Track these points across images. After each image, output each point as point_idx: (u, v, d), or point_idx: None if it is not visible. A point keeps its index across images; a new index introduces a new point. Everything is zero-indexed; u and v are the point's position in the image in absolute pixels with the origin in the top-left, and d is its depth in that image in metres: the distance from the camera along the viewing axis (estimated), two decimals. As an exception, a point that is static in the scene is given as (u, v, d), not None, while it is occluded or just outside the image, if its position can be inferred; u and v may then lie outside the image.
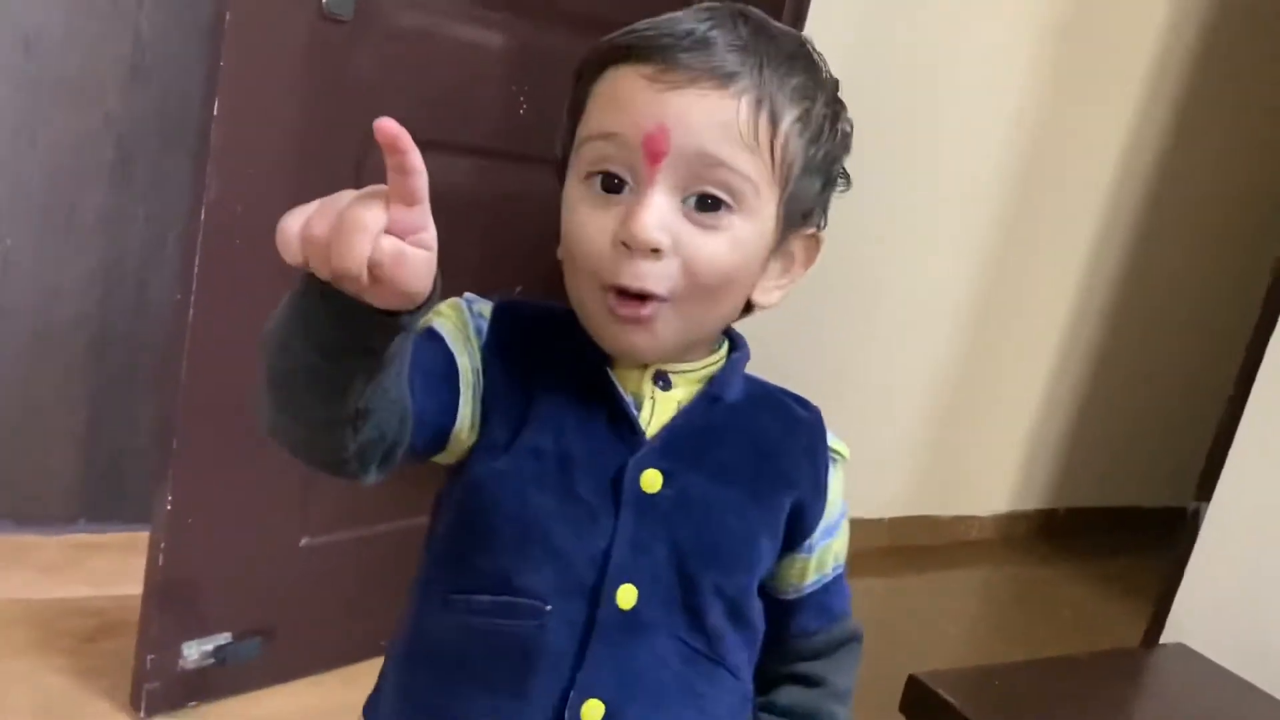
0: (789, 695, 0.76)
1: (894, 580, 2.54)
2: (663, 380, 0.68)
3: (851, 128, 0.70)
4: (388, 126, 0.47)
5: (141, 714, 1.47)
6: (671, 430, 0.67)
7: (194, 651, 1.48)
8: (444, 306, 0.68)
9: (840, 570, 0.76)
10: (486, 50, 1.53)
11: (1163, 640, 1.30)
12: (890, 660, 2.17)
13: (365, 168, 1.43)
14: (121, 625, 1.66)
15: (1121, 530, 3.05)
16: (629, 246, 0.60)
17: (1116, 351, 2.89)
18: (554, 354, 0.68)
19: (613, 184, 0.62)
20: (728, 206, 0.61)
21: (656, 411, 0.68)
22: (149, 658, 1.45)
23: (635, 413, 0.67)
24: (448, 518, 0.70)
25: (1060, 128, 2.52)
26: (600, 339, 0.65)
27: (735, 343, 0.74)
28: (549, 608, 0.65)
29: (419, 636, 0.71)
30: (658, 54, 0.59)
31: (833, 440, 0.75)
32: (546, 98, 1.61)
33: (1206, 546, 1.30)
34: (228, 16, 1.25)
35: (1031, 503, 2.94)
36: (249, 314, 1.38)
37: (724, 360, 0.71)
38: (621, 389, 0.67)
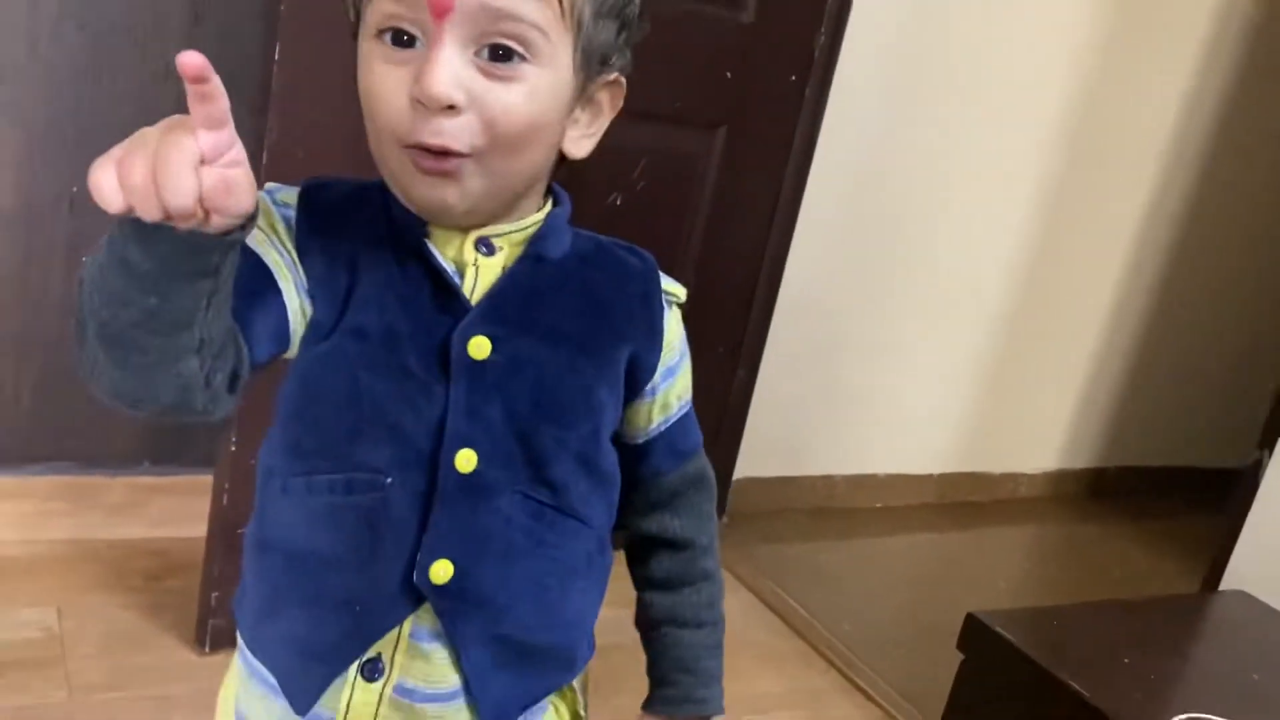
0: (661, 566, 0.78)
1: (942, 535, 2.54)
2: (484, 245, 0.67)
3: None
4: (190, 59, 0.48)
5: (206, 649, 1.51)
6: (494, 295, 0.67)
7: (257, 589, 1.51)
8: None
9: (686, 409, 0.76)
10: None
11: (1222, 588, 1.29)
12: (939, 609, 2.18)
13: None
14: (186, 565, 1.70)
15: (1173, 490, 3.02)
16: (424, 104, 0.59)
17: (1170, 310, 2.84)
18: (370, 229, 0.67)
19: (403, 40, 0.61)
20: (520, 56, 0.60)
21: (480, 277, 0.67)
22: (213, 595, 1.49)
23: (458, 281, 0.66)
24: (283, 408, 0.69)
25: (1119, 81, 2.46)
26: (410, 199, 0.64)
27: (557, 198, 0.72)
28: (389, 480, 0.65)
29: (265, 525, 0.71)
30: None
31: (667, 283, 0.74)
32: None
33: (1269, 496, 1.28)
34: (287, -39, 1.26)
35: (1081, 461, 2.91)
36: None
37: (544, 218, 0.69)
38: (441, 258, 0.66)
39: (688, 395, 0.77)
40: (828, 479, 2.47)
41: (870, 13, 2.02)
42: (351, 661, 0.68)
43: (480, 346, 0.65)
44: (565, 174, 0.71)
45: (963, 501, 2.68)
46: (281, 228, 0.65)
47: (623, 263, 0.73)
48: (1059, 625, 1.01)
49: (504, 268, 0.68)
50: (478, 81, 0.60)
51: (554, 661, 0.74)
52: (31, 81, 1.51)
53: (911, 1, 2.13)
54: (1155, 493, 3.00)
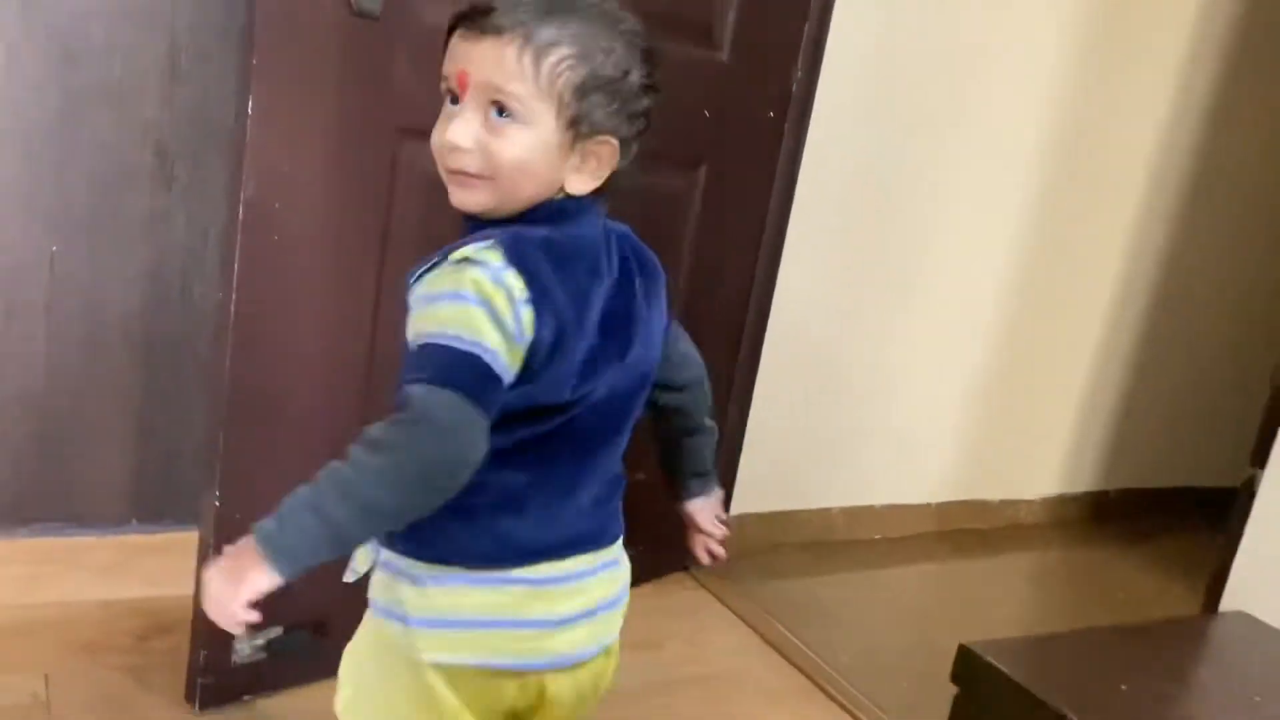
0: (674, 399, 1.10)
1: (943, 565, 2.51)
2: None
3: (639, 61, 0.91)
4: None
5: (196, 708, 1.49)
6: None
7: (246, 646, 1.49)
8: (488, 323, 0.82)
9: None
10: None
11: (1222, 609, 1.27)
12: (940, 639, 2.15)
13: (399, 163, 1.45)
14: (176, 624, 1.68)
15: (1173, 511, 2.99)
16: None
17: (1164, 331, 2.84)
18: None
19: (454, 100, 0.89)
20: (510, 116, 0.87)
21: None
22: (202, 653, 1.47)
23: None
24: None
25: (1102, 103, 2.48)
26: (453, 202, 0.91)
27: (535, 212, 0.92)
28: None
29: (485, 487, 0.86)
30: (465, 20, 0.88)
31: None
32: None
33: (1264, 514, 1.27)
34: (258, 16, 1.27)
35: (1081, 485, 2.89)
36: (290, 309, 1.41)
37: None
38: None
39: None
40: (825, 512, 2.45)
41: (847, 44, 2.04)
42: None
43: None
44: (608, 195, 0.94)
45: (963, 529, 2.65)
46: (522, 315, 0.84)
47: None
48: (1054, 654, 0.99)
49: None
50: (482, 133, 0.88)
51: None
52: (12, 139, 1.52)
53: (888, 30, 2.15)
54: (1157, 514, 2.97)
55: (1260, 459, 1.26)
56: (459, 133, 0.87)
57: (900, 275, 2.36)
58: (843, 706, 1.80)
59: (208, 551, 1.43)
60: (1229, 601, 1.26)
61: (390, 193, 1.45)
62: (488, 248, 0.84)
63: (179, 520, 1.76)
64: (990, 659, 0.94)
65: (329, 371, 1.47)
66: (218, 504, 1.42)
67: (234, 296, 1.34)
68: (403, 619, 0.93)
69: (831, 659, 1.92)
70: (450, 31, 0.90)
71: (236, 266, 1.33)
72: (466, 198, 0.90)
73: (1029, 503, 2.80)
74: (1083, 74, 2.43)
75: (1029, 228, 2.50)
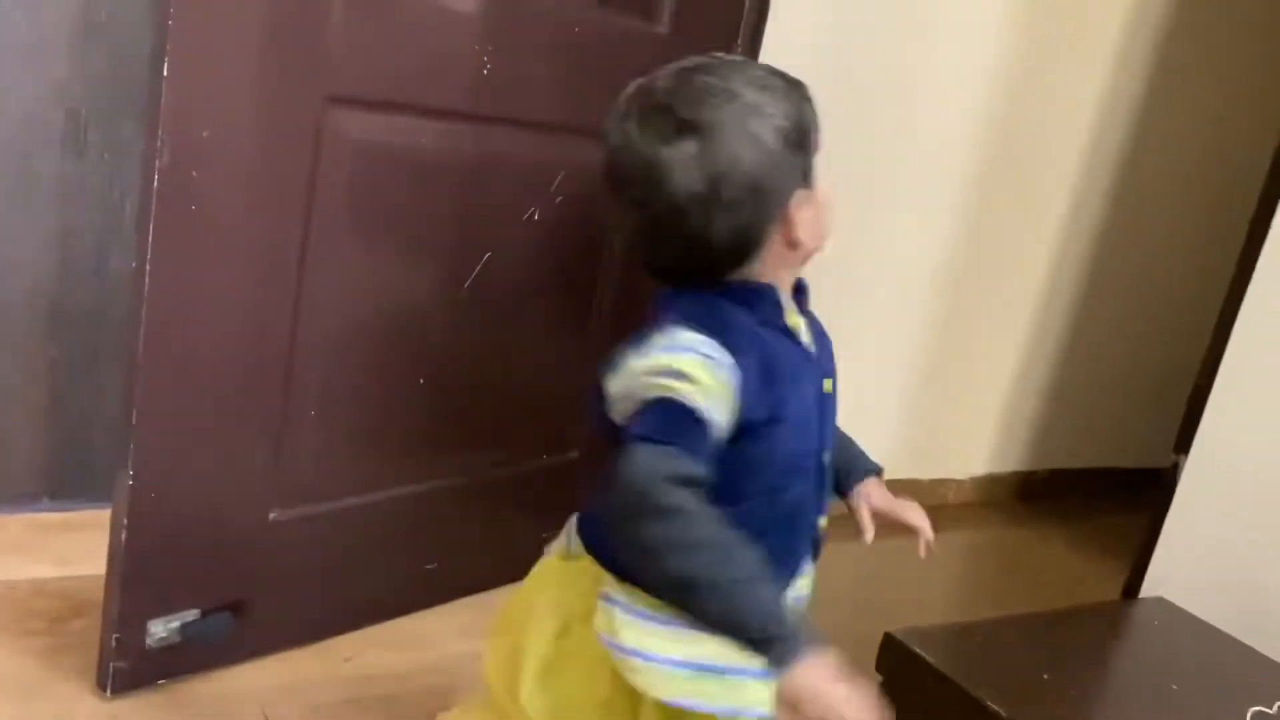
0: None
1: (875, 544, 2.52)
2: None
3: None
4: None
5: (108, 693, 1.44)
6: (817, 345, 1.04)
7: (160, 629, 1.45)
8: (707, 397, 0.85)
9: None
10: (451, 9, 1.49)
11: (1143, 594, 1.29)
12: (870, 623, 2.17)
13: (324, 131, 1.40)
14: (91, 605, 1.62)
15: (1100, 491, 3.06)
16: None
17: (1094, 314, 2.88)
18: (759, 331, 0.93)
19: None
20: None
21: (801, 332, 1.01)
22: (114, 637, 1.42)
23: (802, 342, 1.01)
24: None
25: (1034, 90, 2.49)
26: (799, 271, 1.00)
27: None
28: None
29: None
30: None
31: None
32: (512, 58, 1.57)
33: (1186, 500, 1.29)
34: (176, -28, 1.21)
35: (1010, 465, 2.93)
36: (207, 281, 1.36)
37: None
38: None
39: None
40: (760, 491, 2.45)
41: (788, 23, 2.01)
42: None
43: (828, 385, 1.04)
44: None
45: (895, 509, 2.68)
46: (736, 387, 0.87)
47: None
48: (978, 642, 1.00)
49: (803, 323, 1.02)
50: None
51: None
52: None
53: (830, 10, 2.13)
54: (1084, 494, 3.04)
55: (1184, 445, 1.28)
56: None
57: (835, 263, 2.35)
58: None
59: (121, 530, 1.38)
60: (1150, 587, 1.28)
61: (315, 163, 1.40)
62: None
63: (93, 498, 1.70)
64: (914, 647, 0.94)
65: (249, 346, 1.42)
66: (131, 482, 1.36)
67: (148, 268, 1.29)
68: None
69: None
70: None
71: (151, 237, 1.28)
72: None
73: (959, 482, 2.84)
74: (1019, 59, 2.44)
75: (963, 213, 2.51)
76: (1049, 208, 2.69)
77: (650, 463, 0.80)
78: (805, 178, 0.95)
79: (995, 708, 0.88)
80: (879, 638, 1.94)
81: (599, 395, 0.92)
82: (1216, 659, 1.11)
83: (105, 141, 1.56)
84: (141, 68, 1.52)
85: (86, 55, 1.52)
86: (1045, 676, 0.97)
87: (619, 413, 0.90)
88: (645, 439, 0.82)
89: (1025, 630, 1.04)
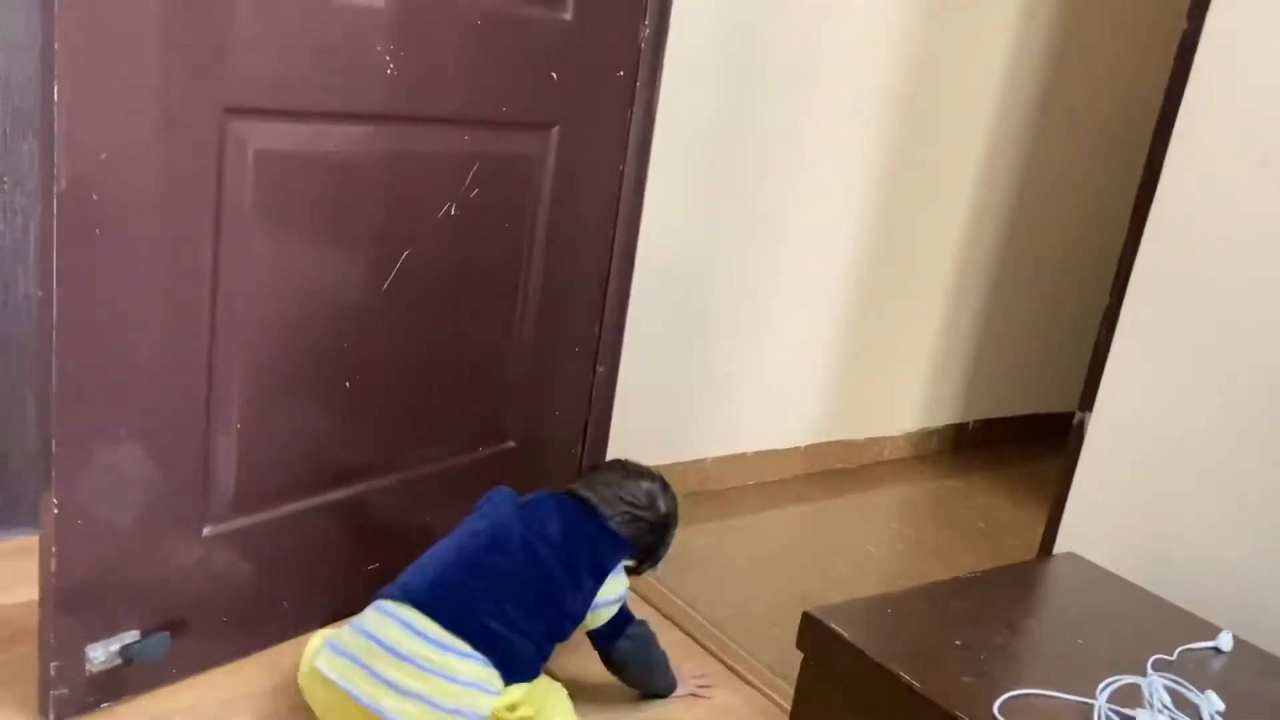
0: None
1: (814, 505, 2.59)
2: None
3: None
4: None
5: (51, 721, 1.44)
6: None
7: (100, 653, 1.44)
8: None
9: None
10: (350, 8, 1.47)
11: (1056, 550, 1.34)
12: (811, 584, 2.22)
13: (227, 143, 1.38)
14: (22, 633, 1.61)
15: (1026, 438, 3.16)
16: None
17: (1013, 262, 2.95)
18: None
19: None
20: None
21: None
22: (53, 665, 1.42)
23: None
24: None
25: (949, 43, 2.53)
26: None
27: None
28: None
29: None
30: None
31: None
32: (416, 55, 1.56)
33: (1092, 455, 1.34)
34: (58, -8, 1.18)
35: (941, 419, 3.01)
36: (117, 304, 1.34)
37: None
38: None
39: None
40: (699, 463, 2.49)
41: (695, 1, 2.02)
42: None
43: None
44: None
45: (831, 470, 2.74)
46: None
47: None
48: (893, 614, 1.03)
49: None
50: None
51: None
52: None
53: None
54: (1012, 442, 3.13)
55: (1087, 403, 1.32)
56: None
57: (761, 224, 2.39)
58: (722, 660, 1.85)
59: (50, 559, 1.37)
60: (1064, 543, 1.33)
61: (220, 176, 1.39)
62: None
63: (19, 525, 1.68)
64: (832, 624, 0.98)
65: (165, 365, 1.41)
66: (56, 510, 1.35)
67: (55, 295, 1.27)
68: None
69: (709, 612, 1.96)
70: None
71: (56, 265, 1.26)
72: None
73: (892, 439, 2.90)
74: (929, 16, 2.47)
75: (881, 169, 2.55)
76: (962, 166, 2.74)
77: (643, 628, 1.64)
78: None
79: (907, 678, 0.91)
80: (826, 593, 2.01)
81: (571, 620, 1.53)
82: (1124, 610, 1.16)
83: (4, 165, 1.53)
84: (27, 87, 1.50)
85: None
86: (957, 643, 1.01)
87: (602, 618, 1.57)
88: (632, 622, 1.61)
89: (940, 598, 1.08)
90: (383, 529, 1.78)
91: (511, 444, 2.00)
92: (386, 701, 1.31)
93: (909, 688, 0.91)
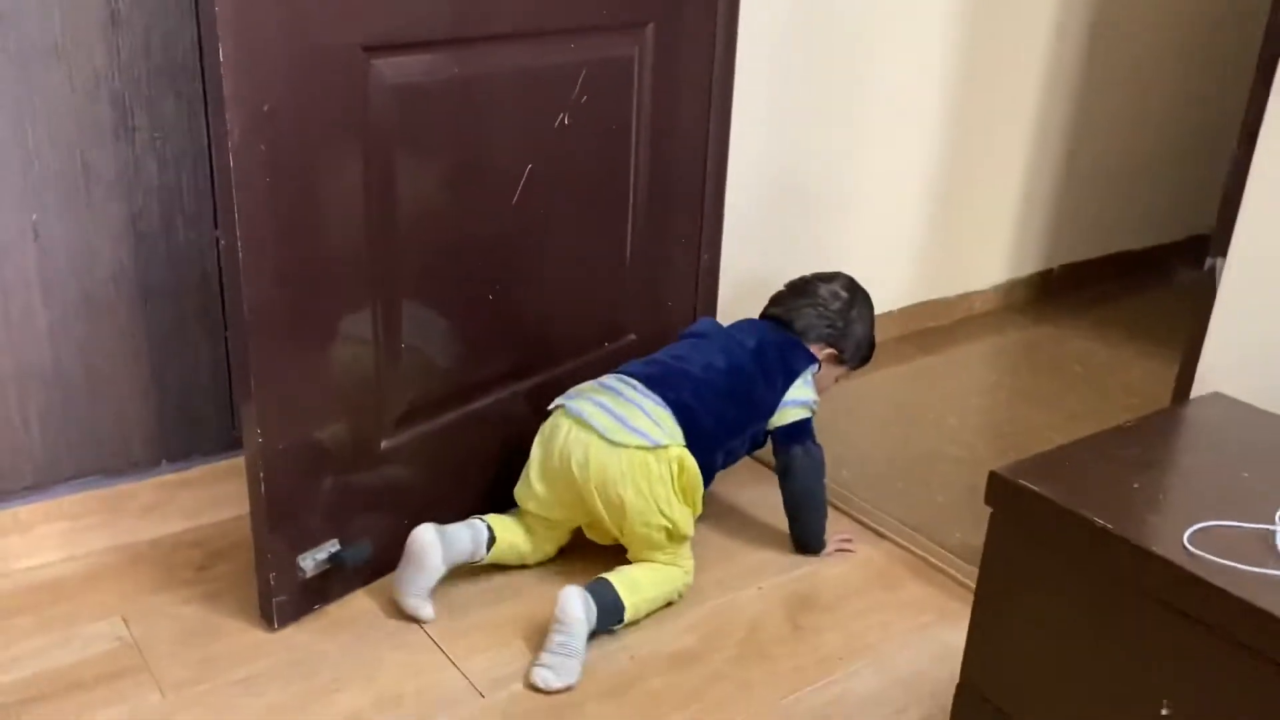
0: None
1: (913, 364, 2.67)
2: None
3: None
4: None
5: (276, 626, 1.59)
6: None
7: (309, 562, 1.59)
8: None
9: None
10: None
11: (1194, 394, 1.41)
12: (924, 436, 2.31)
13: (370, 78, 1.45)
14: (229, 549, 1.77)
15: (1113, 277, 3.19)
16: None
17: (1094, 105, 2.93)
18: None
19: None
20: None
21: None
22: (271, 575, 1.56)
23: None
24: None
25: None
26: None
27: None
28: None
29: None
30: None
31: None
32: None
33: (1228, 299, 1.38)
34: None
35: (1028, 268, 3.05)
36: (296, 242, 1.44)
37: None
38: None
39: None
40: (799, 335, 2.56)
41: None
42: None
43: None
44: None
45: (925, 329, 2.81)
46: None
47: None
48: (1069, 466, 1.12)
49: None
50: None
51: None
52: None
53: None
54: (1097, 282, 3.17)
55: (1222, 248, 1.36)
56: None
57: (845, 97, 2.41)
58: (852, 516, 1.97)
59: (259, 484, 1.50)
60: (1200, 386, 1.40)
61: (364, 113, 1.46)
62: None
63: (205, 453, 1.82)
64: (1020, 480, 1.07)
65: (337, 298, 1.52)
66: (260, 439, 1.48)
67: (239, 243, 1.37)
68: None
69: (833, 474, 2.07)
70: None
71: (237, 214, 1.35)
72: None
73: (981, 292, 2.96)
74: None
75: (959, 30, 2.54)
76: (1041, 5, 2.71)
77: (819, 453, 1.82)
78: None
79: (1100, 521, 1.01)
80: (936, 448, 2.10)
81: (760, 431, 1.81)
82: (1280, 440, 1.23)
83: (150, 122, 1.60)
84: (167, 46, 1.56)
85: (118, 45, 1.54)
86: (1135, 485, 1.10)
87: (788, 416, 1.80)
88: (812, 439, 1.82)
89: (1106, 448, 1.15)
90: (524, 431, 1.90)
91: (633, 337, 2.09)
92: (587, 407, 1.65)
93: (1103, 530, 1.00)
